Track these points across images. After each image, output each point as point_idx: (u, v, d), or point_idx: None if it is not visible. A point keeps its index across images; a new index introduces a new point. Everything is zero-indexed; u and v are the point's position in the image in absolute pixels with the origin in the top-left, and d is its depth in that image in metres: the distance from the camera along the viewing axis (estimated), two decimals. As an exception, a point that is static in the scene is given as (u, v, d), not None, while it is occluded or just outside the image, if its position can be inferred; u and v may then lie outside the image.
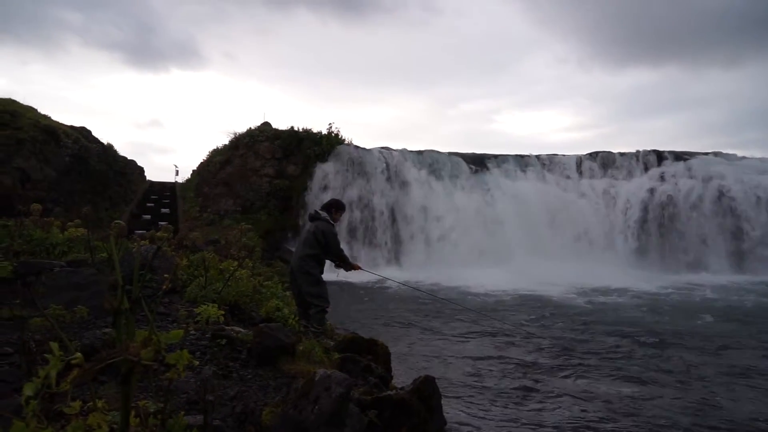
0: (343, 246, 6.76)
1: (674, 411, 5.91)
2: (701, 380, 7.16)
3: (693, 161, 26.04)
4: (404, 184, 24.14)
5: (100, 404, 1.23)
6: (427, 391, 2.95)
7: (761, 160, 26.75)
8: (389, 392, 2.89)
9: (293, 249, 7.32)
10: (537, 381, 6.88)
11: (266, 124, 25.92)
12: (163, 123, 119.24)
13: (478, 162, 26.37)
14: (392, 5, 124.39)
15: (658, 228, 24.23)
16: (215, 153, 26.66)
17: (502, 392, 6.38)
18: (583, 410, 5.82)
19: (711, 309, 13.62)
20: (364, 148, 25.08)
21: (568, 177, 26.60)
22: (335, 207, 6.61)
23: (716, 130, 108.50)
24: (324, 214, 6.44)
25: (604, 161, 27.36)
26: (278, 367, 3.08)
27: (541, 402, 6.07)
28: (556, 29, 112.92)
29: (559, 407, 5.90)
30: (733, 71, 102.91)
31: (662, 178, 25.51)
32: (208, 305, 3.24)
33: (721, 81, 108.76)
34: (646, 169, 26.62)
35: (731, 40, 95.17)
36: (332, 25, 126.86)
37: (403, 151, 25.74)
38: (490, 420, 5.42)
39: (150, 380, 2.39)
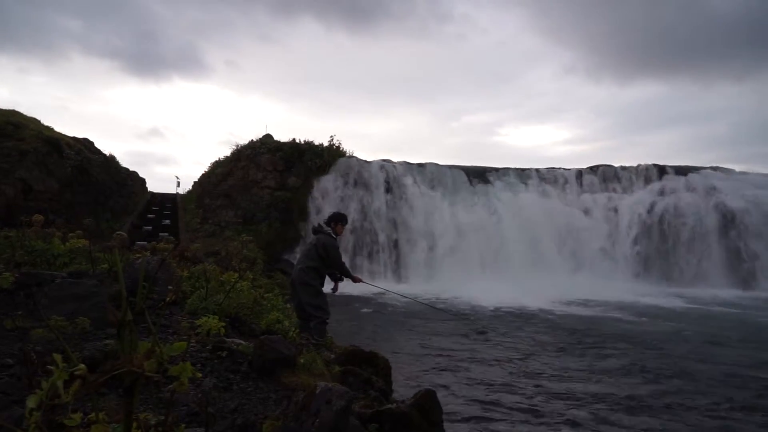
0: (343, 258, 6.79)
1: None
2: (711, 396, 7.11)
3: (694, 175, 26.12)
4: (405, 197, 24.18)
5: (101, 416, 1.23)
6: (428, 404, 2.93)
7: (763, 175, 26.80)
8: (390, 405, 2.88)
9: (294, 261, 7.35)
10: (541, 397, 6.83)
11: (268, 136, 26.05)
12: (165, 133, 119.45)
13: (479, 175, 26.45)
14: (400, 12, 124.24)
15: (658, 242, 24.20)
16: (217, 165, 26.77)
17: (505, 407, 6.33)
18: (587, 429, 5.77)
19: (713, 324, 13.56)
20: (365, 161, 25.18)
21: (568, 191, 26.67)
22: (338, 220, 6.66)
23: (723, 144, 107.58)
24: (327, 227, 6.49)
25: (604, 175, 27.44)
26: (279, 379, 3.07)
27: (545, 418, 6.03)
28: (565, 38, 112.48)
29: (565, 424, 5.85)
30: (743, 84, 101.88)
31: (663, 192, 25.55)
32: (209, 317, 3.23)
33: (730, 95, 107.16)
34: (647, 183, 26.68)
35: (743, 52, 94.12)
36: (338, 34, 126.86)
37: (404, 164, 25.82)
38: (491, 435, 5.37)
39: (151, 392, 2.38)
